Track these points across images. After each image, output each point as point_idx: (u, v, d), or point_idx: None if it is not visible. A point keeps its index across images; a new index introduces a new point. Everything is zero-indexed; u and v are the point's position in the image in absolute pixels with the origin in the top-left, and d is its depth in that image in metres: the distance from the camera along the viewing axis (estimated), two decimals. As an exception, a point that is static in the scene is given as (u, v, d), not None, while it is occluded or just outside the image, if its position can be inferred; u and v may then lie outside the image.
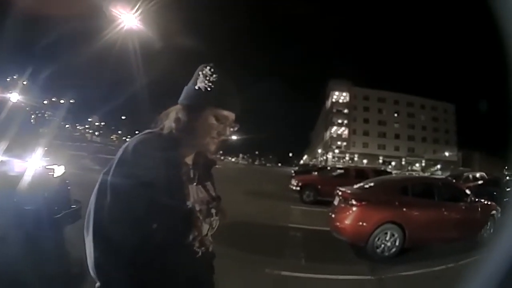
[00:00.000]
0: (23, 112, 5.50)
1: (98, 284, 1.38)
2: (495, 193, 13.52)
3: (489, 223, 8.69)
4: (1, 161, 3.87)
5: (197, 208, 1.51)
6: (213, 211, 1.61)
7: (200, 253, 1.54)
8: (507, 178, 19.99)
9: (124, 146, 1.46)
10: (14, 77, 52.27)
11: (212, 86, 1.51)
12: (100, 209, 1.37)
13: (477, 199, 8.86)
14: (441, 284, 5.84)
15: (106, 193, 1.37)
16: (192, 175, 1.57)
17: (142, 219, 1.36)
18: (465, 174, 24.21)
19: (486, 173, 23.57)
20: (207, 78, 1.52)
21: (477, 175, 23.23)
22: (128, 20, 20.74)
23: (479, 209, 8.71)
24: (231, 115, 1.56)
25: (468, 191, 9.01)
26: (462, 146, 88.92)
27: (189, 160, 1.59)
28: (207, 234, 1.59)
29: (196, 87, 1.53)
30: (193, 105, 1.53)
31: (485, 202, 9.09)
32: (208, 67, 1.55)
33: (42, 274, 3.68)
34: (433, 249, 7.34)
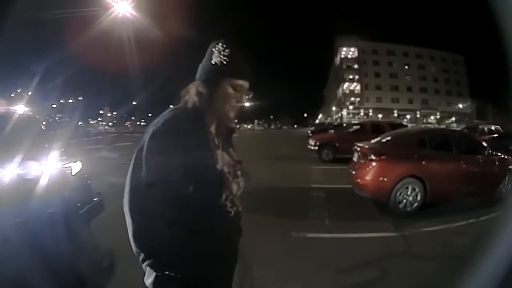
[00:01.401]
0: (32, 121, 5.55)
1: (142, 256, 1.53)
2: (511, 148, 13.32)
3: (507, 178, 8.50)
4: (18, 174, 3.92)
5: (226, 170, 1.67)
6: (239, 172, 1.77)
7: (232, 213, 1.71)
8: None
9: (154, 122, 1.61)
10: (18, 90, 52.66)
11: (227, 59, 1.66)
12: (136, 181, 1.52)
13: (494, 153, 8.69)
14: (463, 240, 5.85)
15: (141, 166, 1.51)
16: (217, 142, 1.74)
17: (180, 184, 1.49)
18: (480, 126, 23.97)
19: (500, 127, 23.27)
20: (221, 53, 1.67)
21: (492, 128, 22.97)
22: (121, 8, 20.68)
23: (497, 163, 8.54)
24: (245, 84, 1.72)
25: (485, 144, 8.87)
26: (474, 98, 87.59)
27: (212, 129, 1.75)
28: (236, 193, 1.73)
29: (213, 62, 1.68)
30: (212, 78, 1.68)
31: (503, 156, 8.86)
32: (220, 43, 1.70)
33: (77, 272, 3.81)
34: (454, 205, 7.34)
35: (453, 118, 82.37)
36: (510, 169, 8.67)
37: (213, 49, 1.70)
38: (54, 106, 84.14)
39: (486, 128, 22.91)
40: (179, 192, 1.50)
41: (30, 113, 6.12)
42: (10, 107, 6.26)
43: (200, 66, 1.75)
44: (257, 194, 7.47)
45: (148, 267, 1.57)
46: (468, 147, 8.51)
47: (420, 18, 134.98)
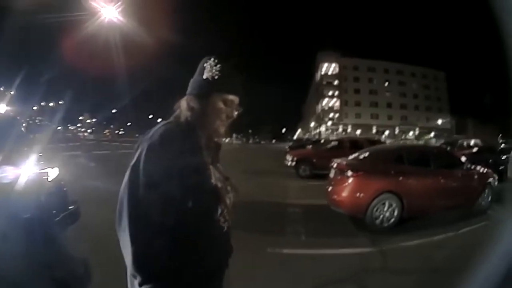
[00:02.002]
0: (12, 122, 5.45)
1: (139, 279, 1.46)
2: (490, 161, 13.61)
3: (486, 191, 8.74)
4: None
5: (219, 184, 1.67)
6: (229, 188, 1.78)
7: (225, 228, 1.70)
8: (502, 145, 20.08)
9: (147, 136, 1.58)
10: (1, 89, 51.66)
11: (219, 75, 1.69)
12: (134, 200, 1.46)
13: (473, 167, 8.93)
14: (442, 253, 5.92)
15: (138, 184, 1.46)
16: (207, 157, 1.71)
17: (178, 200, 1.47)
18: (460, 141, 24.40)
19: (480, 140, 23.70)
20: (213, 68, 1.69)
21: (472, 142, 23.43)
22: (108, 13, 20.55)
23: (475, 176, 8.79)
24: (236, 99, 1.75)
25: (463, 158, 9.06)
26: (455, 114, 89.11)
27: (202, 144, 1.70)
28: (228, 208, 1.72)
29: (204, 77, 1.70)
30: (203, 93, 1.70)
31: (481, 170, 9.15)
32: (212, 58, 1.72)
33: (48, 280, 3.72)
34: (432, 219, 7.44)
35: (432, 134, 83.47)
36: (489, 182, 8.88)
37: (205, 64, 1.72)
38: (34, 108, 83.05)
39: (465, 143, 23.31)
40: (179, 208, 1.48)
41: (11, 113, 6.02)
42: None
43: (192, 81, 1.76)
44: (234, 208, 7.40)
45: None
46: (446, 162, 8.71)
47: (402, 34, 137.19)
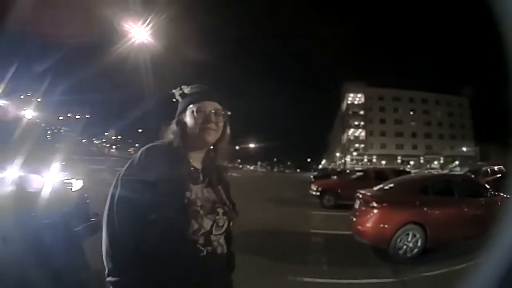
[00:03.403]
0: (38, 128, 5.53)
1: (106, 270, 1.58)
2: None
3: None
4: (19, 176, 3.89)
5: (198, 203, 1.66)
6: (220, 210, 1.74)
7: (204, 252, 1.64)
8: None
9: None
10: (28, 94, 52.92)
11: (185, 92, 1.83)
12: (111, 205, 1.62)
13: (496, 193, 8.69)
14: (464, 282, 5.74)
15: (116, 192, 1.62)
16: (198, 177, 1.76)
17: (144, 211, 1.57)
18: (484, 168, 23.88)
19: (504, 166, 23.23)
20: (179, 91, 1.84)
21: (496, 168, 22.87)
22: (139, 34, 21.03)
23: (499, 203, 8.49)
24: (210, 104, 1.77)
25: (487, 186, 8.87)
26: (479, 141, 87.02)
27: (198, 164, 1.80)
28: (211, 230, 1.68)
29: (175, 100, 1.86)
30: (179, 113, 1.82)
31: (505, 196, 8.90)
32: (178, 87, 1.85)
33: (59, 287, 3.71)
34: (454, 248, 7.23)
35: (457, 162, 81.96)
36: None
37: (174, 92, 1.86)
38: (60, 118, 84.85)
39: (489, 170, 22.77)
40: (144, 218, 1.57)
41: (37, 120, 6.12)
42: (19, 111, 6.24)
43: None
44: (257, 236, 7.44)
45: (109, 284, 1.57)
46: (470, 190, 8.56)
47: (426, 62, 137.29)
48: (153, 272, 1.55)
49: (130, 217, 1.56)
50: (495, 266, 1.44)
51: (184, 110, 1.79)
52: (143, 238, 1.55)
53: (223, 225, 1.74)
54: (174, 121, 1.81)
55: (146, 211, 1.57)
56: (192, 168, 1.76)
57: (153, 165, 1.64)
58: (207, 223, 1.66)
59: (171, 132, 1.78)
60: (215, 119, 1.75)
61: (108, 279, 1.55)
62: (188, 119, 1.75)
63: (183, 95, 1.82)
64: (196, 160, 1.79)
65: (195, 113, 1.73)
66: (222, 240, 1.75)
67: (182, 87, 1.83)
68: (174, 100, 1.86)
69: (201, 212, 1.66)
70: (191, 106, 1.76)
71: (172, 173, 1.64)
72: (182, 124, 1.77)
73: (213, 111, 1.76)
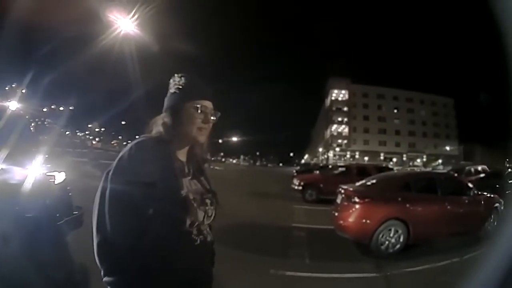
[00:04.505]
0: (22, 120, 5.44)
1: (102, 271, 1.55)
2: (497, 186, 13.52)
3: (492, 216, 8.69)
4: (1, 169, 3.84)
5: (191, 196, 1.68)
6: (208, 201, 1.78)
7: (198, 241, 1.69)
8: (509, 170, 19.97)
9: (123, 149, 1.68)
10: (13, 85, 51.99)
11: (184, 85, 1.77)
12: (102, 202, 1.57)
13: (479, 192, 8.87)
14: (447, 279, 5.83)
15: (106, 189, 1.58)
16: (186, 170, 1.78)
17: (140, 207, 1.54)
18: (467, 167, 24.23)
19: (487, 166, 23.58)
20: (177, 81, 1.80)
21: (479, 168, 23.24)
22: (125, 25, 20.75)
23: (482, 202, 8.72)
24: (208, 103, 1.79)
25: (470, 185, 9.03)
26: (463, 140, 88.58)
27: (182, 157, 1.80)
28: (203, 221, 1.73)
29: (172, 91, 1.80)
30: (174, 106, 1.77)
31: (488, 195, 9.09)
32: (176, 75, 1.82)
33: (44, 281, 3.68)
34: (437, 244, 7.34)
35: (440, 161, 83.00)
36: (495, 207, 8.87)
37: (170, 81, 1.82)
38: (45, 110, 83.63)
39: (472, 169, 23.12)
40: (140, 214, 1.54)
41: (21, 111, 6.03)
42: (2, 102, 6.14)
43: (165, 100, 1.83)
44: (239, 229, 7.45)
45: (106, 284, 1.56)
46: (453, 189, 8.66)
47: (411, 61, 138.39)
48: (151, 267, 1.55)
49: (126, 214, 1.53)
50: (496, 263, 1.47)
51: (180, 106, 1.75)
52: (140, 234, 1.53)
53: (211, 215, 1.78)
54: (166, 114, 1.78)
55: (143, 207, 1.54)
56: (179, 162, 1.76)
57: (145, 160, 1.60)
58: (200, 215, 1.71)
59: (161, 126, 1.76)
60: (211, 120, 1.78)
61: (105, 279, 1.54)
62: (185, 116, 1.73)
63: (179, 87, 1.78)
64: (181, 153, 1.80)
65: (194, 112, 1.73)
66: (208, 228, 1.80)
67: (178, 77, 1.80)
68: (171, 91, 1.80)
69: (195, 204, 1.68)
70: (190, 103, 1.74)
71: (165, 167, 1.63)
72: (176, 119, 1.75)
73: (211, 112, 1.79)
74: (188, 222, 1.63)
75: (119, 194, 1.55)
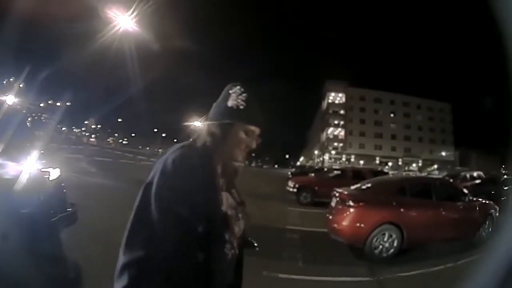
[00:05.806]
0: (19, 115, 5.42)
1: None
2: (493, 192, 13.57)
3: (487, 222, 8.70)
4: None
5: (229, 212, 1.64)
6: (240, 215, 1.76)
7: (229, 256, 1.64)
8: (505, 176, 20.07)
9: (162, 159, 1.57)
10: (11, 79, 51.80)
11: (244, 104, 1.69)
12: (139, 219, 1.49)
13: (474, 198, 8.91)
14: (441, 284, 5.84)
15: (148, 204, 1.47)
16: (221, 183, 1.68)
17: (185, 227, 1.45)
18: (462, 173, 24.36)
19: (483, 172, 23.68)
20: (238, 96, 1.70)
21: (475, 174, 23.37)
22: (124, 22, 20.75)
23: (477, 208, 8.75)
24: (257, 130, 1.75)
25: (465, 190, 9.05)
26: (459, 146, 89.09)
27: (218, 170, 1.68)
28: (236, 235, 1.71)
29: (229, 105, 1.69)
30: (226, 121, 1.68)
31: (483, 201, 9.13)
32: (237, 87, 1.72)
33: (38, 276, 3.66)
34: (431, 249, 7.32)
35: (435, 166, 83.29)
36: (490, 213, 8.88)
37: (230, 91, 1.72)
38: (41, 105, 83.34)
39: (468, 175, 23.27)
40: (192, 233, 1.45)
41: (18, 106, 6.00)
42: (0, 97, 6.11)
43: (214, 106, 1.76)
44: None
45: None
46: (448, 194, 8.66)
47: (410, 65, 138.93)
48: (185, 283, 1.47)
49: (177, 233, 1.44)
50: (494, 266, 1.46)
51: (233, 123, 1.68)
52: (189, 254, 1.45)
53: (242, 229, 1.77)
54: (215, 126, 1.69)
55: (192, 225, 1.46)
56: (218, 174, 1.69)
57: (192, 173, 1.51)
58: (236, 230, 1.70)
59: (208, 136, 1.68)
60: (253, 145, 1.77)
61: None
62: (235, 135, 1.69)
63: (238, 105, 1.69)
64: (218, 165, 1.71)
65: (246, 135, 1.71)
66: (238, 241, 1.76)
67: (238, 90, 1.71)
68: (228, 104, 1.70)
69: (233, 220, 1.66)
70: (245, 124, 1.70)
71: (209, 182, 1.57)
72: (225, 134, 1.68)
73: (257, 138, 1.77)
74: (226, 238, 1.59)
75: (169, 212, 1.45)
